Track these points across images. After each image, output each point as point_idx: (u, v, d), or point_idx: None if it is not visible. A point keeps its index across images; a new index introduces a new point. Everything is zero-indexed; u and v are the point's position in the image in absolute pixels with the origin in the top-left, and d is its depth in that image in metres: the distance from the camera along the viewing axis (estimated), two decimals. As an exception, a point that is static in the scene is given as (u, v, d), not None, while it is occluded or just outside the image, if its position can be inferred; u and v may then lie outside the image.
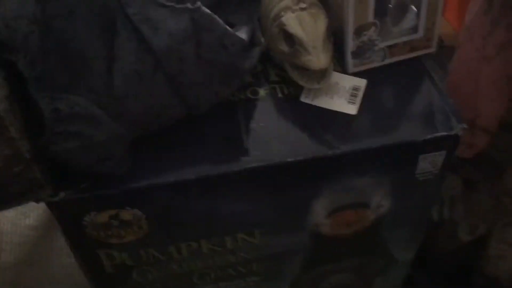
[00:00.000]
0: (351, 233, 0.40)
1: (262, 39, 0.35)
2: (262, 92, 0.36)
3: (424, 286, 0.53)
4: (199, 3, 0.28)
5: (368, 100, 0.35)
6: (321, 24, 0.34)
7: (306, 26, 0.33)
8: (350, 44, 0.35)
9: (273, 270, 0.42)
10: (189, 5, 0.28)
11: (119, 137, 0.30)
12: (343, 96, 0.36)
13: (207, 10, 0.29)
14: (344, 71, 0.37)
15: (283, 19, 0.34)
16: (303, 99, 0.36)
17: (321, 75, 0.35)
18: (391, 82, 0.36)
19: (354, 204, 0.37)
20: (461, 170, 0.43)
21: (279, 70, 0.37)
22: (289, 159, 0.33)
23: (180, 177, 0.32)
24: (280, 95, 0.36)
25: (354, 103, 0.35)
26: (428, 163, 0.35)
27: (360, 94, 0.36)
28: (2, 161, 0.26)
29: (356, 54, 0.36)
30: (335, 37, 0.35)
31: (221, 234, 0.36)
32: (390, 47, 0.36)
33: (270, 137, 0.34)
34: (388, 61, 0.37)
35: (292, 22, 0.33)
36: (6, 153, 0.26)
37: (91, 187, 0.31)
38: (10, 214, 0.63)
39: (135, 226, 0.34)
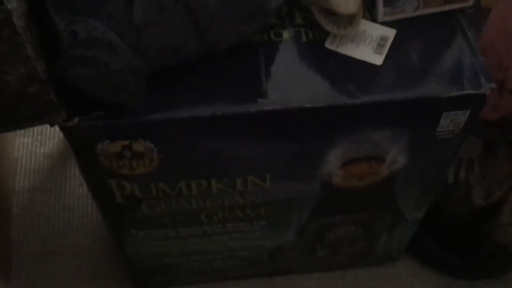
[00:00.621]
0: (363, 186, 0.39)
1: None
2: (286, 34, 0.35)
3: (431, 248, 0.53)
4: None
5: (395, 52, 0.34)
6: (354, -34, 0.32)
7: (337, -33, 0.32)
8: (383, -10, 0.34)
9: (280, 216, 0.42)
10: None
11: (136, 67, 0.29)
12: (369, 45, 0.34)
13: None
14: (373, 19, 0.35)
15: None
16: (328, 45, 0.34)
17: (349, 21, 0.33)
18: (421, 35, 0.35)
19: (368, 157, 0.36)
20: (483, 132, 0.41)
21: (306, 13, 0.35)
22: (307, 105, 0.32)
23: (194, 113, 0.31)
24: (304, 39, 0.35)
25: (380, 53, 0.34)
26: (450, 122, 0.34)
27: (388, 44, 0.34)
28: (17, 79, 0.26)
29: (388, 1, 0.34)
30: (367, -18, 0.33)
31: (232, 175, 0.36)
32: (424, -4, 0.35)
33: (290, 81, 0.33)
34: (421, 12, 0.35)
35: (324, -39, 0.32)
36: (22, 71, 0.25)
37: (106, 115, 0.31)
38: (27, 141, 0.64)
39: (147, 159, 0.34)
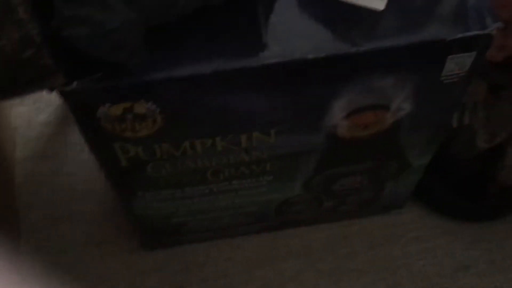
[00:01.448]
0: (368, 135, 0.39)
1: None
2: (283, -17, 0.34)
3: (437, 193, 0.54)
4: None
5: (397, -5, 0.33)
6: None
7: None
8: None
9: (286, 170, 0.42)
10: None
11: (133, 25, 0.28)
12: (370, -11, 0.33)
13: None
14: (373, -38, 0.34)
15: None
16: (328, -8, 0.33)
17: (349, -35, 0.32)
18: (423, -24, 0.34)
19: (374, 106, 0.36)
20: (487, 74, 0.41)
21: (303, -40, 0.34)
22: (309, 56, 0.31)
23: (196, 70, 0.31)
24: (302, -13, 0.33)
25: (382, -3, 0.33)
26: (456, 65, 0.34)
27: (389, -12, 0.33)
28: (11, 45, 0.25)
29: None
30: None
31: (236, 132, 0.36)
32: None
33: (291, 32, 0.32)
34: (422, -48, 0.34)
35: None
36: (15, 36, 0.25)
37: (106, 77, 0.30)
38: (23, 109, 0.63)
39: (150, 120, 0.33)
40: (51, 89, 0.29)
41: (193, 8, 0.31)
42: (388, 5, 0.33)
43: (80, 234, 0.55)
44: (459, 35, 0.31)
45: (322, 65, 0.32)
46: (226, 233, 0.52)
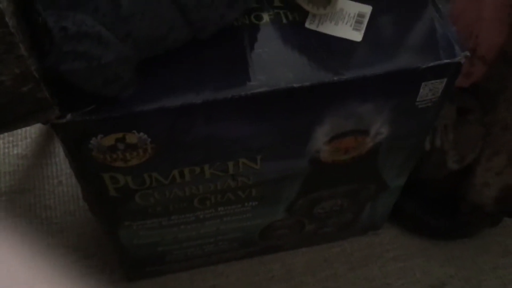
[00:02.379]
0: (348, 160, 0.41)
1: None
2: (266, 17, 0.35)
3: (411, 213, 0.56)
4: None
5: (373, 27, 0.35)
6: None
7: None
8: (357, -32, 0.35)
9: (271, 195, 0.43)
10: None
11: (127, 58, 0.29)
12: (348, 22, 0.35)
13: None
14: (348, -3, 0.36)
15: None
16: (308, 25, 0.35)
17: (327, 0, 0.34)
18: (395, 9, 0.36)
19: (354, 131, 0.38)
20: (457, 99, 0.44)
21: (283, -5, 0.36)
22: (294, 85, 0.33)
23: (186, 100, 0.32)
24: (284, 20, 0.35)
25: (359, 29, 0.35)
26: (429, 91, 0.36)
27: (365, 21, 0.35)
28: (11, 79, 0.26)
29: (362, -21, 0.35)
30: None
31: (224, 159, 0.37)
32: (396, -28, 0.36)
33: (275, 62, 0.34)
34: (393, -13, 0.36)
35: None
36: (16, 71, 0.25)
37: (98, 109, 0.31)
38: (-2, 142, 0.62)
39: (140, 150, 0.34)
40: (46, 122, 0.30)
41: (183, 41, 0.32)
42: (364, 36, 0.35)
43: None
44: (432, 64, 0.34)
45: (306, 93, 0.33)
46: (210, 260, 0.53)
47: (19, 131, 0.63)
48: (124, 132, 0.32)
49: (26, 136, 0.63)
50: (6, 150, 0.62)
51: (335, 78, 0.33)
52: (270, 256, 0.55)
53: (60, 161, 0.61)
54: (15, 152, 0.62)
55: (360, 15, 0.36)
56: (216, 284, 0.54)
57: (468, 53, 0.34)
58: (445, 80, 0.35)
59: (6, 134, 0.63)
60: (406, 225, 0.57)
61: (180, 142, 0.34)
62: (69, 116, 0.30)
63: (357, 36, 0.35)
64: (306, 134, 0.37)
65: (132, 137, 0.33)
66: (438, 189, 0.53)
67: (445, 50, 0.34)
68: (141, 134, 0.33)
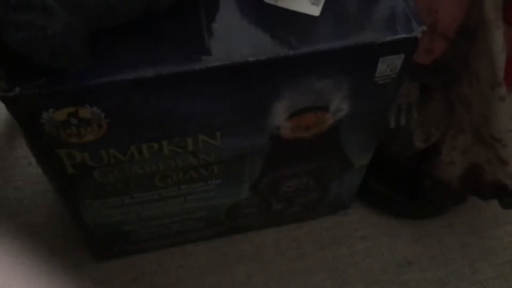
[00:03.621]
0: (310, 137, 0.41)
1: None
2: (224, -9, 0.35)
3: (379, 192, 0.56)
4: None
5: (331, 2, 0.35)
6: None
7: None
8: None
9: (233, 173, 0.43)
10: None
11: (75, 29, 0.29)
12: (306, -3, 0.35)
13: None
14: (308, -29, 0.36)
15: None
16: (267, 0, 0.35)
17: (284, -27, 0.34)
18: (354, -16, 0.36)
19: (314, 107, 0.38)
20: (419, 76, 0.44)
21: (242, -31, 0.36)
22: (249, 59, 0.32)
23: (139, 74, 0.31)
24: (242, -6, 0.35)
25: (317, 4, 0.35)
26: (387, 66, 0.36)
27: (323, -5, 0.35)
28: (-49, 49, 0.25)
29: (320, -47, 0.35)
30: None
31: (182, 135, 0.37)
32: None
33: (231, 37, 0.33)
34: (352, -39, 0.36)
35: None
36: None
37: (49, 83, 0.30)
38: (-34, 124, 0.61)
39: (95, 125, 0.33)
40: (-7, 94, 0.29)
41: (136, 13, 0.32)
42: (323, 11, 0.35)
43: (27, 248, 0.54)
44: (388, 38, 0.34)
45: (262, 68, 0.33)
46: (177, 240, 0.53)
47: (-13, 112, 0.62)
48: (76, 106, 0.32)
49: (-6, 117, 0.62)
50: (-25, 130, 0.61)
51: (290, 53, 0.33)
52: (239, 235, 0.56)
53: (28, 141, 0.60)
54: (-17, 132, 0.61)
55: (319, -10, 0.35)
56: (184, 264, 0.54)
57: (425, 28, 0.34)
58: (402, 55, 0.35)
59: (-27, 115, 0.62)
60: (375, 204, 0.57)
61: (135, 117, 0.34)
62: (17, 89, 0.30)
63: (315, 11, 0.35)
64: (264, 110, 0.37)
65: (85, 112, 0.32)
66: (405, 167, 0.53)
67: (402, 25, 0.34)
68: (94, 108, 0.32)
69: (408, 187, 0.55)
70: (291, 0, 0.35)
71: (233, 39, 0.33)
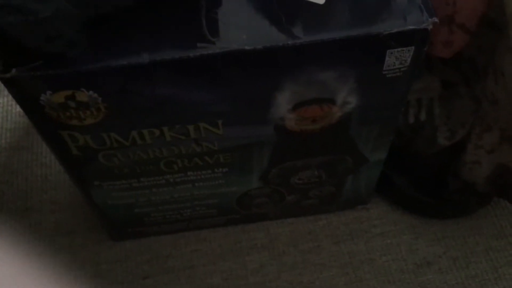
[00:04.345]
0: (318, 129, 0.39)
1: None
2: (228, -24, 0.34)
3: (401, 188, 0.54)
4: None
5: (339, -10, 0.34)
6: None
7: None
8: None
9: (240, 162, 0.42)
10: None
11: (68, 14, 0.29)
12: (312, -16, 0.34)
13: None
14: (317, -44, 0.35)
15: None
16: (270, -15, 0.34)
17: (289, -41, 0.33)
18: (365, -29, 0.34)
19: (318, 99, 0.36)
20: (439, 71, 0.41)
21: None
22: (247, 47, 0.32)
23: (133, 60, 0.31)
24: (246, -20, 0.34)
25: (323, -8, 0.33)
26: (396, 59, 0.34)
27: (331, -18, 0.34)
28: None
29: None
30: None
31: (183, 122, 0.36)
32: None
33: (232, 24, 0.32)
34: None
35: None
36: None
37: (45, 65, 0.31)
38: (2, 100, 0.64)
39: (93, 109, 0.34)
40: (-10, 76, 0.30)
41: (134, 1, 0.31)
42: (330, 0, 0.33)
43: (50, 224, 0.56)
44: (395, 30, 0.32)
45: (260, 56, 0.32)
46: (192, 225, 0.53)
47: (23, 90, 0.64)
48: (73, 89, 0.32)
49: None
50: (9, 108, 0.64)
51: (290, 42, 0.32)
52: (254, 224, 0.55)
53: (57, 120, 0.62)
54: (17, 109, 0.63)
55: (327, -23, 0.34)
56: (198, 249, 0.54)
57: (436, 19, 0.32)
58: (412, 48, 0.33)
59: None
60: (396, 201, 0.55)
61: (133, 103, 0.34)
62: (13, 71, 0.30)
63: (320, -1, 0.33)
64: (265, 100, 0.36)
65: (82, 95, 0.33)
66: (428, 165, 0.51)
67: (412, 16, 0.32)
68: (91, 92, 0.33)
69: (431, 186, 0.52)
70: (296, -13, 0.34)
71: (233, 26, 0.32)
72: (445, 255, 0.53)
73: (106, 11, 0.31)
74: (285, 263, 0.53)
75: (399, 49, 0.33)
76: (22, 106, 0.34)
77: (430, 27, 0.32)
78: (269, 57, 0.33)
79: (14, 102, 0.64)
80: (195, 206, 0.49)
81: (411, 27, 0.32)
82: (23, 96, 0.32)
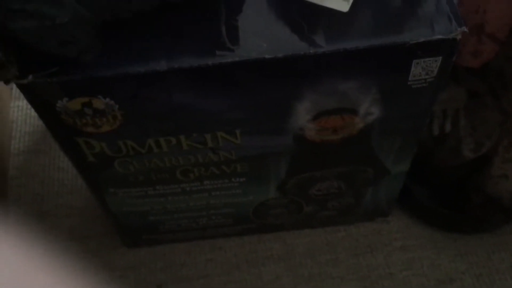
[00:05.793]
0: (339, 140, 0.38)
1: None
2: (249, -18, 0.33)
3: (423, 202, 0.52)
4: None
5: (364, -3, 0.32)
6: None
7: None
8: None
9: (258, 172, 0.41)
10: None
11: (84, 19, 0.28)
12: (336, -10, 0.32)
13: None
14: (341, -37, 0.33)
15: None
16: (293, -8, 0.33)
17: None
18: (391, -22, 0.33)
19: (340, 109, 0.35)
20: (465, 81, 0.40)
21: (271, -41, 0.34)
22: (266, 56, 0.31)
23: (150, 67, 0.30)
24: (268, -14, 0.33)
25: (347, 0, 0.32)
26: (422, 70, 0.33)
27: (355, -11, 0.32)
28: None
29: None
30: None
31: (200, 131, 0.36)
32: None
33: (252, 32, 0.32)
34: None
35: None
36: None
37: (61, 72, 0.30)
38: (21, 104, 0.64)
39: (110, 116, 0.33)
40: (6, 81, 0.30)
41: (151, 5, 0.31)
42: (353, 7, 0.32)
43: (65, 229, 0.56)
44: (422, 39, 0.31)
45: (280, 65, 0.31)
46: (207, 234, 0.52)
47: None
48: (90, 96, 0.32)
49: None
50: (28, 111, 0.64)
51: (312, 51, 0.31)
52: (271, 234, 0.54)
53: (75, 124, 0.62)
54: (35, 113, 0.63)
55: (351, -17, 0.33)
56: (212, 258, 0.53)
57: (465, 29, 0.30)
58: (440, 58, 0.32)
59: (29, 95, 0.64)
60: (417, 214, 0.53)
61: (149, 110, 0.33)
62: (30, 77, 0.30)
63: (344, 6, 0.32)
64: (285, 110, 0.35)
65: (99, 103, 0.32)
66: (452, 178, 0.49)
67: (440, 25, 0.31)
68: (108, 99, 0.32)
69: (455, 200, 0.50)
70: (319, -7, 0.33)
71: (253, 34, 0.31)
72: (468, 271, 0.51)
73: (123, 16, 0.30)
74: (301, 275, 0.52)
75: (426, 59, 0.32)
76: (38, 112, 0.33)
77: (459, 37, 0.31)
78: (290, 66, 0.32)
79: (33, 105, 0.64)
80: (211, 215, 0.48)
81: (439, 36, 0.31)
82: (40, 102, 0.32)
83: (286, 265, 0.53)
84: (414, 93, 0.34)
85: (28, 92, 0.31)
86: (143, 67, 0.31)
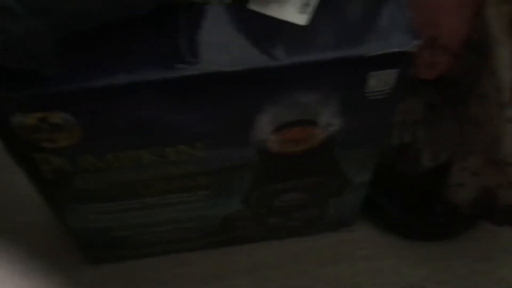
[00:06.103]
0: (301, 151, 0.38)
1: None
2: (208, -4, 0.33)
3: (385, 210, 0.53)
4: None
5: (321, 11, 0.33)
6: None
7: None
8: None
9: (222, 184, 0.41)
10: None
11: (40, 34, 0.28)
12: (294, 4, 0.33)
13: None
14: (299, -23, 0.34)
15: None
16: (252, 6, 0.33)
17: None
18: (348, -8, 0.34)
19: (300, 121, 0.36)
20: (422, 93, 0.41)
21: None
22: (226, 69, 0.31)
23: (109, 81, 0.30)
24: (227, 0, 0.33)
25: (305, 13, 0.33)
26: (379, 81, 0.33)
27: (312, 3, 0.33)
28: None
29: (312, -42, 0.33)
30: None
31: (160, 144, 0.35)
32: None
33: (211, 45, 0.32)
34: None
35: None
36: None
37: (17, 86, 0.30)
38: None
39: (67, 131, 0.33)
40: (-42, 97, 0.29)
41: (111, 20, 0.30)
42: (311, 20, 0.33)
43: (25, 246, 0.54)
44: (378, 52, 0.31)
45: (240, 78, 0.31)
46: (172, 248, 0.51)
47: None
48: (46, 111, 0.31)
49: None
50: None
51: (270, 64, 0.31)
52: (237, 247, 0.54)
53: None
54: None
55: (309, -3, 0.33)
56: (179, 272, 0.53)
57: (419, 42, 0.31)
58: (396, 71, 0.33)
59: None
60: (381, 224, 0.54)
61: (109, 124, 0.33)
62: (-17, 92, 0.29)
63: (302, 20, 0.33)
64: (247, 123, 0.35)
65: (56, 117, 0.31)
66: (413, 187, 0.50)
67: (396, 38, 0.32)
68: (65, 114, 0.31)
69: (417, 208, 0.51)
70: (278, 7, 0.33)
71: (213, 47, 0.32)
72: (430, 278, 0.52)
73: (82, 30, 0.30)
74: (269, 287, 0.52)
75: (383, 71, 0.33)
76: (-8, 127, 0.32)
77: (414, 49, 0.31)
78: (250, 79, 0.32)
79: None
80: (176, 229, 0.47)
81: (394, 49, 0.31)
82: (-7, 117, 0.31)
83: (253, 278, 0.53)
84: (372, 105, 0.35)
85: (-19, 108, 0.30)
86: (101, 81, 0.30)
